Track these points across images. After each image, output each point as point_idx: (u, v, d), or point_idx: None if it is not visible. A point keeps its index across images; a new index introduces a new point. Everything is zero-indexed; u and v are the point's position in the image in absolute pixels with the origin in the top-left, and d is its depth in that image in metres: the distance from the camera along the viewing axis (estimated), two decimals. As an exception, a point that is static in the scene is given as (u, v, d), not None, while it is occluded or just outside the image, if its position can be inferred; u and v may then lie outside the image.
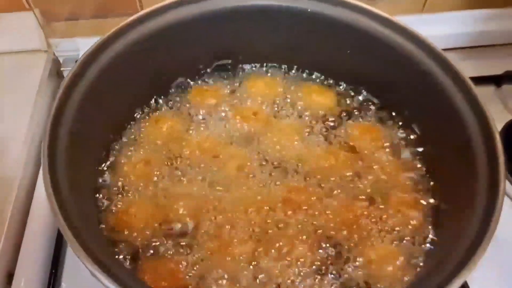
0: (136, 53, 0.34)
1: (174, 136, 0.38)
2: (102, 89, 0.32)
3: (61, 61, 0.53)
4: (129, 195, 0.35)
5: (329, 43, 0.39)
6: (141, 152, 0.37)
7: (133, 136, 0.38)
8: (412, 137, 0.38)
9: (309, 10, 0.37)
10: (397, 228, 0.34)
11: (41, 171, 0.43)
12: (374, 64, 0.37)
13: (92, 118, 0.32)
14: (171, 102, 0.40)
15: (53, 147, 0.28)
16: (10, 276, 0.37)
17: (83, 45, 0.52)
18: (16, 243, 0.38)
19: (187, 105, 0.40)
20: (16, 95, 0.49)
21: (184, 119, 0.39)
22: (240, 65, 0.42)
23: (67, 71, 0.51)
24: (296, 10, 0.37)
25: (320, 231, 0.33)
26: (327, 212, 0.34)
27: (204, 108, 0.40)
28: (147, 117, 0.39)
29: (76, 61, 0.51)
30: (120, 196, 0.35)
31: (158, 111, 0.40)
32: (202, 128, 0.39)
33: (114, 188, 0.35)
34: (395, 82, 0.37)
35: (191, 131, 0.38)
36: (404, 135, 0.39)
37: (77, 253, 0.24)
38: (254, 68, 0.42)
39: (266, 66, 0.43)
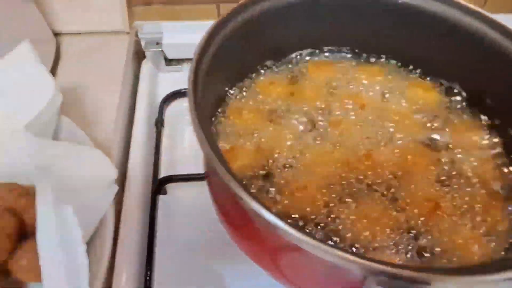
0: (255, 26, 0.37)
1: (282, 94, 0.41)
2: (226, 52, 0.35)
3: (143, 43, 0.56)
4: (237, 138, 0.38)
5: (417, 35, 0.41)
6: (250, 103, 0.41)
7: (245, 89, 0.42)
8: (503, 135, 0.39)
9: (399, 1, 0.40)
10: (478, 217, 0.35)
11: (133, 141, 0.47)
12: (463, 57, 0.39)
13: (217, 76, 0.35)
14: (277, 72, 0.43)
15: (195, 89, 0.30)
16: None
17: (166, 28, 0.55)
18: (118, 209, 0.42)
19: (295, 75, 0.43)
20: (103, 72, 0.53)
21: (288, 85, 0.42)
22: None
23: (149, 53, 0.56)
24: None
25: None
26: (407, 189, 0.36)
27: (312, 81, 0.43)
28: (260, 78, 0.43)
29: (157, 43, 0.56)
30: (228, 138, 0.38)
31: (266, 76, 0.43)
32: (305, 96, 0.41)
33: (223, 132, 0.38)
34: (485, 76, 0.39)
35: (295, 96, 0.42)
36: (493, 132, 0.40)
37: (225, 178, 0.25)
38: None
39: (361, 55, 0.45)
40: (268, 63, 0.43)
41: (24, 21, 0.47)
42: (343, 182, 0.36)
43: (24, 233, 0.30)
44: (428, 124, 0.41)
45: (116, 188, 0.33)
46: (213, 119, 0.40)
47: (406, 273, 0.23)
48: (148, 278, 0.38)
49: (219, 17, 0.34)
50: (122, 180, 0.44)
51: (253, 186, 0.36)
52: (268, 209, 0.23)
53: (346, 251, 0.23)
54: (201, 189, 0.46)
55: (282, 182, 0.36)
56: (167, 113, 0.53)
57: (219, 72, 0.36)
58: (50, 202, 0.21)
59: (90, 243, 0.32)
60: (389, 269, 0.22)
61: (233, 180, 0.25)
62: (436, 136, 0.40)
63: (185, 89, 0.54)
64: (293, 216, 0.34)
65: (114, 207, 0.38)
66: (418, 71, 0.44)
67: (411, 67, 0.44)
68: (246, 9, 0.36)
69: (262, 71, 0.43)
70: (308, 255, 0.23)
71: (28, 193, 0.33)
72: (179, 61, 0.58)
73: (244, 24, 0.36)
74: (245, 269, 0.41)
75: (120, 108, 0.48)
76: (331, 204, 0.35)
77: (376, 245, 0.33)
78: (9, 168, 0.35)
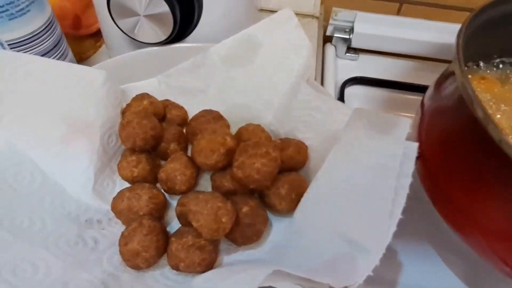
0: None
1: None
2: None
3: (330, 28, 0.60)
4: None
5: None
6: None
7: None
8: None
9: None
10: None
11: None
12: None
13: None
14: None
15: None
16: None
17: (360, 18, 0.59)
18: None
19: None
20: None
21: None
22: None
23: (336, 38, 0.60)
24: None
25: None
26: None
27: None
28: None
29: (345, 31, 0.60)
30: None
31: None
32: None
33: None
34: None
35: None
36: None
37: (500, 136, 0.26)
38: None
39: None
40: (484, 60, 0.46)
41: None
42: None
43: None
44: None
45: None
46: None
47: None
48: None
49: (474, 10, 0.37)
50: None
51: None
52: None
53: None
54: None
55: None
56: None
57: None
58: (403, 136, 0.25)
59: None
60: None
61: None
62: None
63: (362, 76, 0.59)
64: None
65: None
66: None
67: None
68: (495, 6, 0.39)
69: (475, 66, 0.45)
70: None
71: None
72: (356, 51, 0.62)
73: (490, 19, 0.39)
74: (419, 250, 0.44)
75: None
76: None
77: None
78: (249, 112, 0.41)
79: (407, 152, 0.24)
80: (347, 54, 0.61)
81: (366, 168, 0.25)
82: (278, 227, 0.36)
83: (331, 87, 0.55)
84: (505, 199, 0.30)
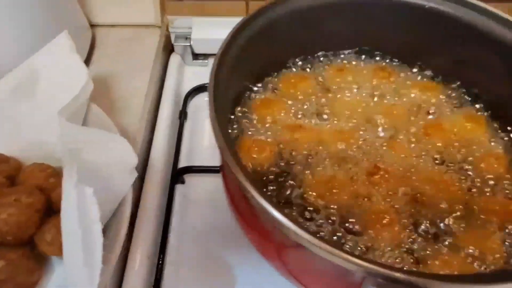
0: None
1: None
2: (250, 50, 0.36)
3: (172, 37, 0.58)
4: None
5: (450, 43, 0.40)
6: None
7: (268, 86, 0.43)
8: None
9: (426, 6, 0.40)
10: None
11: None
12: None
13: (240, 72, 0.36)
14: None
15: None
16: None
17: (196, 23, 0.57)
18: (138, 195, 0.44)
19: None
20: (134, 63, 0.55)
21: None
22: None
23: (177, 46, 0.58)
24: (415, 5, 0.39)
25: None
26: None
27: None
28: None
29: (186, 38, 0.58)
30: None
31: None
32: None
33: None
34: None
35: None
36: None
37: (241, 179, 0.26)
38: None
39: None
40: (291, 61, 0.44)
41: (64, 12, 0.50)
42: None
43: (51, 210, 0.33)
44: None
45: (135, 174, 0.36)
46: (234, 115, 0.40)
47: (402, 277, 0.23)
48: (160, 261, 0.40)
49: (246, 15, 0.36)
50: (144, 166, 0.47)
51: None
52: (272, 204, 0.25)
53: (345, 251, 0.24)
54: (217, 181, 0.48)
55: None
56: (191, 106, 0.55)
57: (243, 68, 0.37)
58: (74, 183, 0.23)
59: (108, 223, 0.34)
60: (385, 271, 0.23)
61: (241, 173, 0.26)
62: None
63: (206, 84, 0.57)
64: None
65: (133, 191, 0.40)
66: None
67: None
68: (272, 9, 0.37)
69: (284, 69, 0.44)
70: (307, 251, 0.24)
71: (58, 174, 0.36)
72: (206, 56, 0.60)
73: (269, 24, 0.37)
74: (254, 262, 0.43)
75: (147, 98, 0.50)
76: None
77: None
78: (44, 149, 0.38)
79: (86, 199, 0.22)
80: (194, 61, 0.59)
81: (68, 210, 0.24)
82: (61, 269, 0.34)
83: (170, 100, 0.53)
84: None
